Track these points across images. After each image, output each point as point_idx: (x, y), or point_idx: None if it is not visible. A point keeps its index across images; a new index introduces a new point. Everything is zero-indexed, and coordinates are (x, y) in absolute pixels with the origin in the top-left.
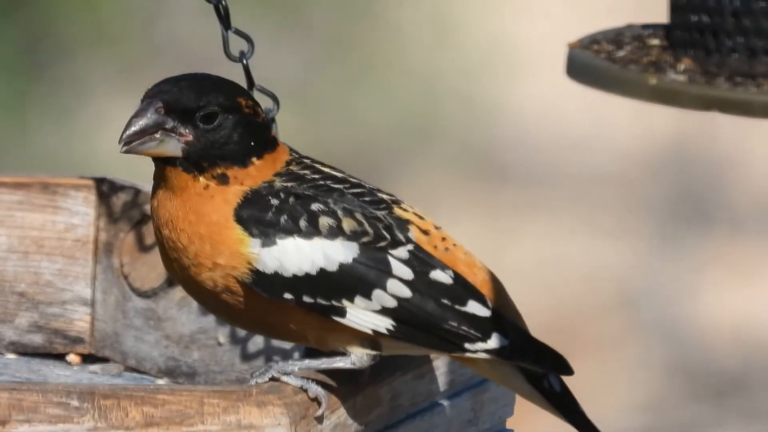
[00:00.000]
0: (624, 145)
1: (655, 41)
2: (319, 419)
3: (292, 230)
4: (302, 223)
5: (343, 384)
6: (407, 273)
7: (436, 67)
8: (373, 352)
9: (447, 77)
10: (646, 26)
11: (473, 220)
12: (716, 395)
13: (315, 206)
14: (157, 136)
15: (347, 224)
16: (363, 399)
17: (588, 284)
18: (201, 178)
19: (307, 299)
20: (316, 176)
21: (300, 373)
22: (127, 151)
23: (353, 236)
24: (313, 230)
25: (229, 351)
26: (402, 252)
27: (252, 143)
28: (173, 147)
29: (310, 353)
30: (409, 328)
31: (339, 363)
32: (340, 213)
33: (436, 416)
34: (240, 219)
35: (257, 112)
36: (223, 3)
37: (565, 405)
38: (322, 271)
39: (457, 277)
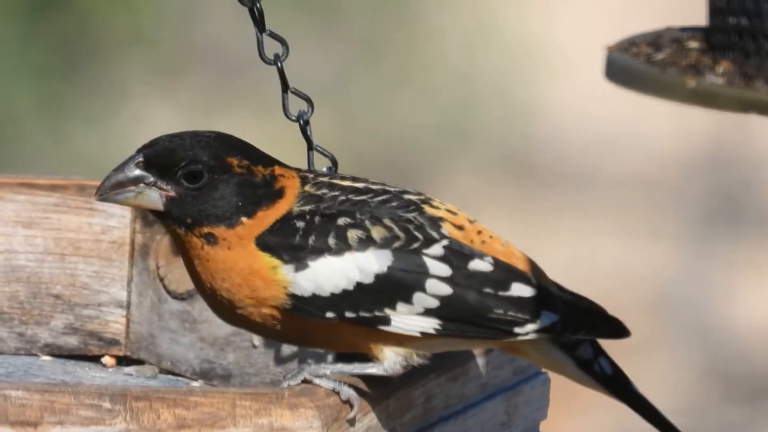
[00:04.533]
0: (659, 146)
1: (694, 44)
2: (352, 422)
3: (322, 249)
4: (331, 240)
5: (376, 387)
6: (444, 270)
7: (474, 67)
8: (406, 361)
9: (485, 78)
10: (684, 29)
11: (508, 220)
12: (750, 397)
13: (341, 221)
14: (134, 188)
15: (377, 232)
16: (396, 402)
17: (622, 286)
18: (193, 237)
19: (349, 314)
20: (336, 193)
21: (332, 376)
22: (102, 199)
23: (385, 243)
24: (343, 245)
25: (263, 354)
26: (437, 249)
27: (240, 203)
28: (153, 200)
29: (343, 357)
30: (457, 323)
31: (371, 369)
32: (367, 223)
33: (469, 419)
34: (267, 247)
35: (253, 171)
36: (258, 5)
37: (618, 386)
38: (359, 285)
39: (497, 262)
